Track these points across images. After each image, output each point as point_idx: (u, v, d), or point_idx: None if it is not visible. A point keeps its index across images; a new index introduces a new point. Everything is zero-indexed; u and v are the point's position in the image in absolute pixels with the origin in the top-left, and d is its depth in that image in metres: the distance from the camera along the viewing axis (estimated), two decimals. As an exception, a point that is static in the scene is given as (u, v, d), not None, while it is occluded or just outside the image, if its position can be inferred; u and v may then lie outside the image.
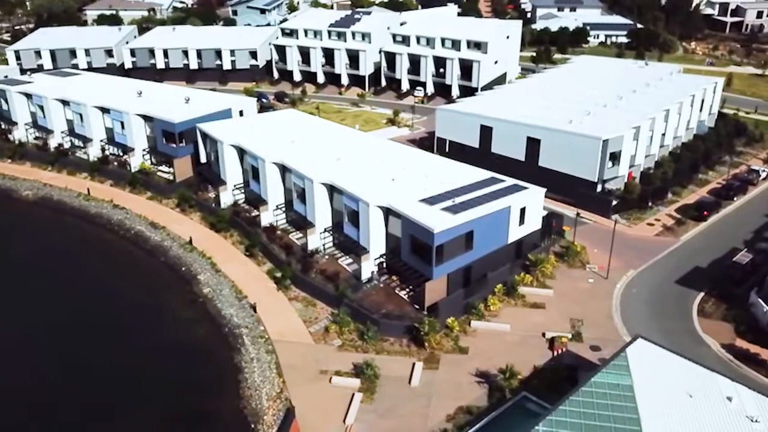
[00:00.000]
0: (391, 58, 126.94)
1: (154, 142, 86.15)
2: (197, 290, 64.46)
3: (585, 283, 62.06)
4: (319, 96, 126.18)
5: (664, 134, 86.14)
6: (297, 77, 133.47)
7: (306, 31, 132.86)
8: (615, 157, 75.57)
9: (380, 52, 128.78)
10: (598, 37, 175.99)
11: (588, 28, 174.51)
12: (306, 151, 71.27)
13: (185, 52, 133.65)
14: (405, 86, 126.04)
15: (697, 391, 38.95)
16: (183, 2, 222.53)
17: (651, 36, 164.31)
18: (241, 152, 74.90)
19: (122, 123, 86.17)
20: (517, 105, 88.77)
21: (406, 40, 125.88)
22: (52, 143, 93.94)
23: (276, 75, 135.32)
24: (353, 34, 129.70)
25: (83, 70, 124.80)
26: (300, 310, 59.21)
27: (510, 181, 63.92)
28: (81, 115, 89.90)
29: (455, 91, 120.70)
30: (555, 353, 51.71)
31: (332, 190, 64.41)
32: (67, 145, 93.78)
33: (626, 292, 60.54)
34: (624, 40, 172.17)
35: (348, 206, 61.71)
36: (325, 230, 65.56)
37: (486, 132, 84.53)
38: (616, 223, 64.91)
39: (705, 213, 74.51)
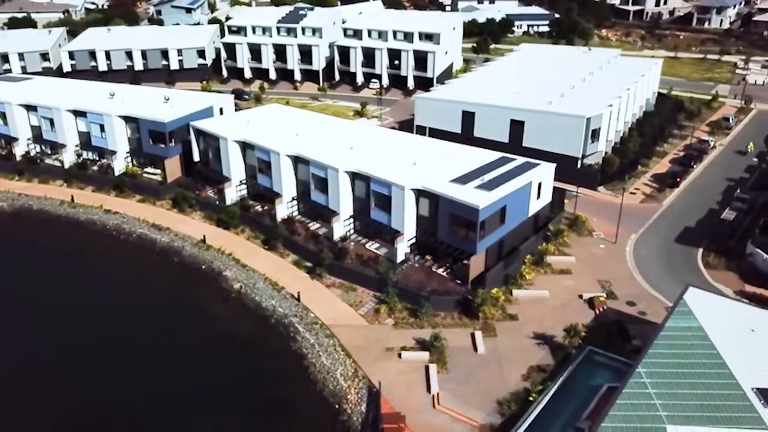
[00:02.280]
0: (344, 51, 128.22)
1: (136, 144, 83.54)
2: (227, 286, 64.18)
3: (597, 248, 67.25)
4: (274, 92, 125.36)
5: (626, 112, 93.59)
6: (248, 74, 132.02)
7: (254, 28, 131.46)
8: (595, 134, 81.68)
9: (331, 46, 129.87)
10: (521, 27, 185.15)
11: (513, 19, 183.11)
12: (315, 142, 72.06)
13: (128, 53, 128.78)
14: (360, 79, 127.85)
15: (756, 325, 44.35)
16: (94, 3, 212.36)
17: (572, 25, 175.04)
18: (244, 147, 74.65)
19: (101, 126, 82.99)
20: (489, 91, 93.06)
21: (358, 34, 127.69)
22: (18, 151, 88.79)
23: (225, 73, 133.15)
24: (303, 29, 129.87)
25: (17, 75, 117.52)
26: (341, 295, 60.53)
27: (521, 159, 67.95)
28: (51, 120, 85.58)
29: (411, 82, 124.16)
30: (597, 311, 56.26)
31: (354, 177, 65.93)
32: (33, 153, 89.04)
33: (636, 253, 66.24)
34: (545, 29, 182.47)
35: (377, 192, 63.40)
36: (350, 217, 67.01)
37: (468, 117, 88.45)
38: (624, 193, 70.72)
39: (678, 180, 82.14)
